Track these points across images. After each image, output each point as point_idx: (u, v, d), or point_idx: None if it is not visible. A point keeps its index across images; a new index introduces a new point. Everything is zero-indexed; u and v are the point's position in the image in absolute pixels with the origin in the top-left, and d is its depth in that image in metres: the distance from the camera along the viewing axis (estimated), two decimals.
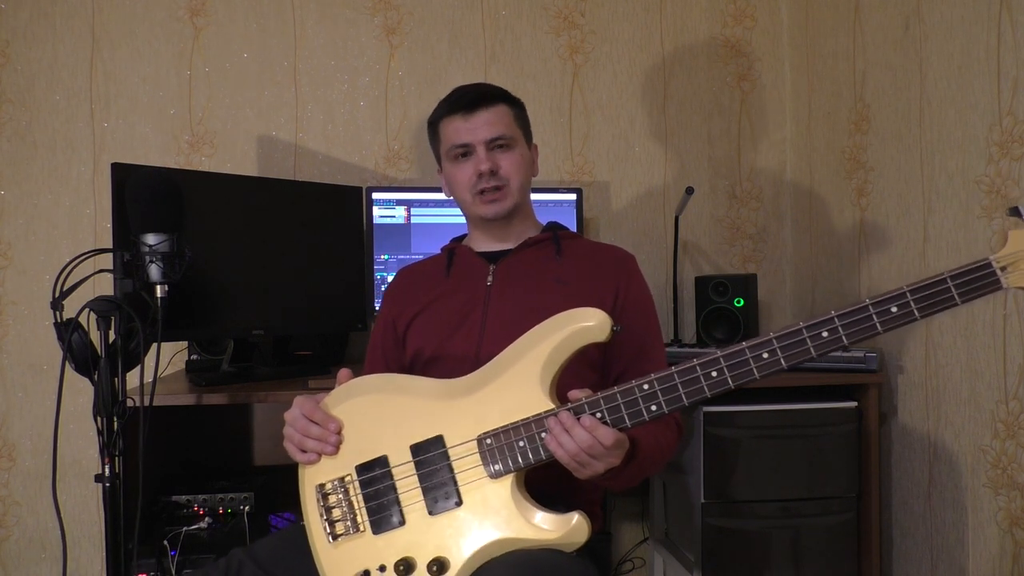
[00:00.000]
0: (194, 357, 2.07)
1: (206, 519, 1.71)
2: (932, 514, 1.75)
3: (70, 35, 2.24)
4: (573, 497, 1.26)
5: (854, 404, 1.77)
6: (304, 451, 1.17)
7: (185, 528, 1.65)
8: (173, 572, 1.60)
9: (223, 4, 2.28)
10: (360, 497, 1.14)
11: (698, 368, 1.04)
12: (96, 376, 1.34)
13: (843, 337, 1.00)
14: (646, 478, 2.07)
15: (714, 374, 1.03)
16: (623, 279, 1.35)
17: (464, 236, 1.51)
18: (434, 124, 1.42)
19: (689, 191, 2.12)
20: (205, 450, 2.20)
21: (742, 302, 2.04)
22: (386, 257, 2.13)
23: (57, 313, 1.34)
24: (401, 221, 2.14)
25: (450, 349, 1.32)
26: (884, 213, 1.92)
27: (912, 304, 0.98)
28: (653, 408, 1.05)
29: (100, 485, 1.34)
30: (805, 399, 1.76)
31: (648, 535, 2.29)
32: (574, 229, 2.12)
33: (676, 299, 2.22)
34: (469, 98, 1.36)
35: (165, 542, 1.61)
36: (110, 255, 1.42)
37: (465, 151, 1.36)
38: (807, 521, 1.74)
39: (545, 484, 1.15)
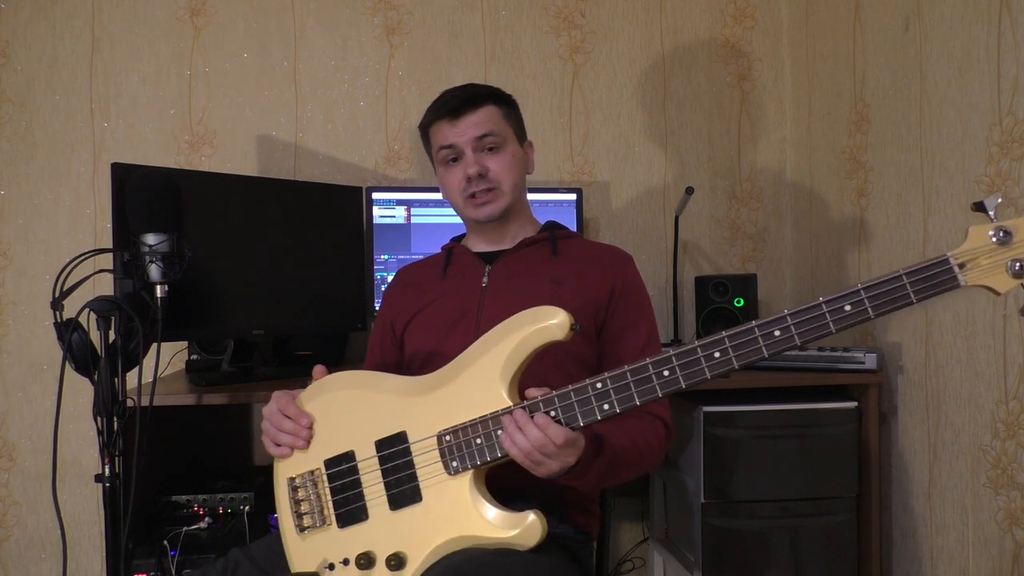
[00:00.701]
0: (194, 357, 2.07)
1: (206, 519, 1.71)
2: (932, 514, 1.75)
3: (70, 35, 2.24)
4: (565, 496, 1.26)
5: (854, 404, 1.77)
6: (278, 445, 1.19)
7: (185, 528, 1.65)
8: (173, 572, 1.60)
9: (223, 4, 2.28)
10: (327, 491, 1.16)
11: (650, 367, 1.03)
12: (96, 376, 1.34)
13: (795, 336, 0.98)
14: (643, 476, 2.06)
15: (666, 373, 1.02)
16: (619, 279, 1.35)
17: (464, 235, 1.51)
18: (424, 129, 1.42)
19: (689, 191, 2.12)
20: (205, 450, 2.20)
21: (742, 302, 2.04)
22: (386, 257, 2.13)
23: (57, 313, 1.34)
24: (401, 221, 2.14)
25: (445, 350, 1.32)
26: (884, 213, 1.92)
27: (866, 302, 0.96)
28: (605, 407, 1.04)
29: (100, 485, 1.34)
30: (805, 399, 1.76)
31: (648, 535, 2.29)
32: (574, 229, 2.12)
33: (676, 299, 2.22)
34: (456, 102, 1.35)
35: (165, 542, 1.61)
36: (110, 255, 1.42)
37: (454, 155, 1.36)
38: (807, 521, 1.74)
39: (535, 483, 1.15)
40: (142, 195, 1.37)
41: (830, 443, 1.75)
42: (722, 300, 2.05)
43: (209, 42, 2.28)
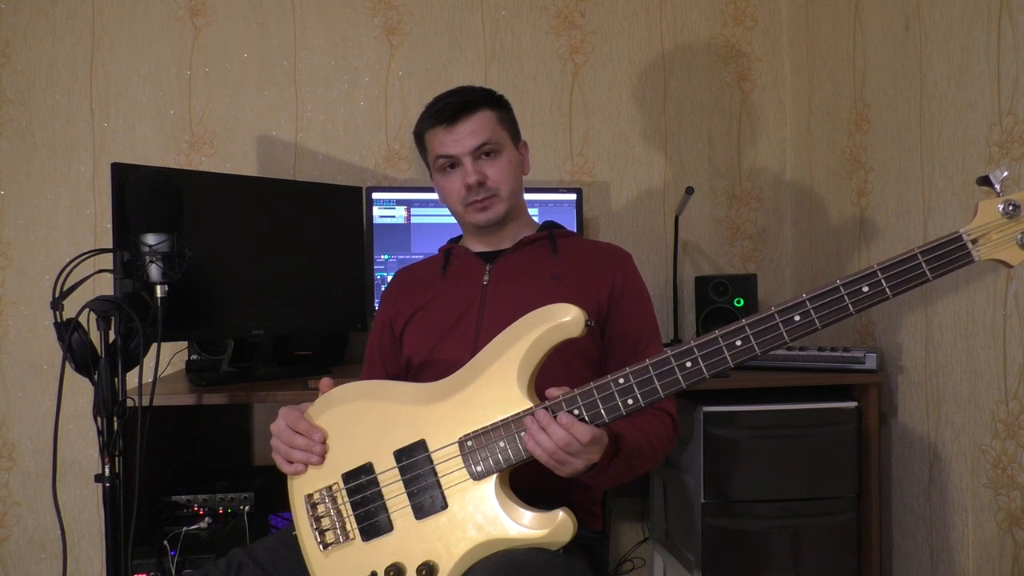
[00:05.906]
0: (194, 357, 2.07)
1: (206, 519, 1.71)
2: (932, 514, 1.75)
3: (70, 35, 2.24)
4: (571, 496, 1.26)
5: (854, 404, 1.77)
6: (291, 462, 1.18)
7: (185, 528, 1.65)
8: (173, 572, 1.60)
9: (223, 4, 2.28)
10: (348, 505, 1.14)
11: (672, 359, 1.03)
12: (96, 376, 1.34)
13: (815, 320, 0.98)
14: (643, 476, 2.06)
15: (688, 364, 1.02)
16: (619, 275, 1.35)
17: (461, 237, 1.51)
18: (419, 135, 1.42)
19: (689, 191, 2.12)
20: (205, 450, 2.21)
21: (742, 302, 2.04)
22: (386, 257, 2.13)
23: (57, 313, 1.34)
24: (401, 221, 2.14)
25: (447, 348, 1.32)
26: (884, 213, 1.92)
27: (883, 282, 0.96)
28: (630, 402, 1.04)
29: (100, 485, 1.34)
30: (805, 399, 1.76)
31: (648, 535, 2.29)
32: (574, 229, 2.12)
33: (676, 299, 2.22)
34: (450, 109, 1.34)
35: (165, 542, 1.61)
36: (110, 255, 1.42)
37: (451, 162, 1.36)
38: (807, 521, 1.73)
39: (543, 484, 1.15)
40: (142, 195, 1.37)
41: (830, 443, 1.74)
42: (722, 300, 2.05)
43: (209, 42, 2.28)
